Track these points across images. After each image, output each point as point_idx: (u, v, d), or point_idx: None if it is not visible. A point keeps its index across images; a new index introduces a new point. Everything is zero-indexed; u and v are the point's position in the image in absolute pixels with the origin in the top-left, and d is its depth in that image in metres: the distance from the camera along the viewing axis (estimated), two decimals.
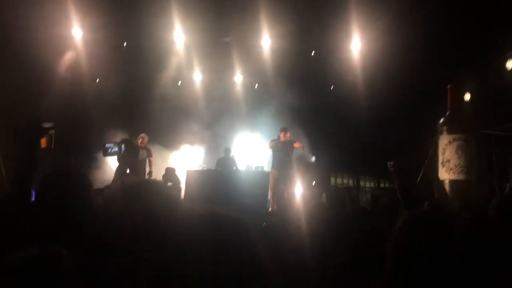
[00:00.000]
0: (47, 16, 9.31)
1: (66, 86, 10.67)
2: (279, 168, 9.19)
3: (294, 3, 9.70)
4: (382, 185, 12.44)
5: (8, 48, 8.87)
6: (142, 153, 9.83)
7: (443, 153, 8.37)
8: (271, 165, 9.63)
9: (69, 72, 10.91)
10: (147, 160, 9.94)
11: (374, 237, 2.98)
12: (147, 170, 10.04)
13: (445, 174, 8.31)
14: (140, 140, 9.90)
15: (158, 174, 10.27)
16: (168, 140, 12.66)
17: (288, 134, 9.23)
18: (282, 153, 9.17)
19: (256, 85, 13.94)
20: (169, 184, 10.20)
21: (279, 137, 9.28)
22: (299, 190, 10.76)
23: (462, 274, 1.40)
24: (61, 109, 10.44)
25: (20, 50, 8.96)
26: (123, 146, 8.74)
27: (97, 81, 12.25)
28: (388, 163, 5.25)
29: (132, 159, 9.23)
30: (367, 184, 12.72)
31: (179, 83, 13.50)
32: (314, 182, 11.94)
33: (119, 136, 10.02)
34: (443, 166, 8.36)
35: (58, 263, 1.22)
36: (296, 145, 9.42)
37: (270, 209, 8.71)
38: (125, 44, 11.52)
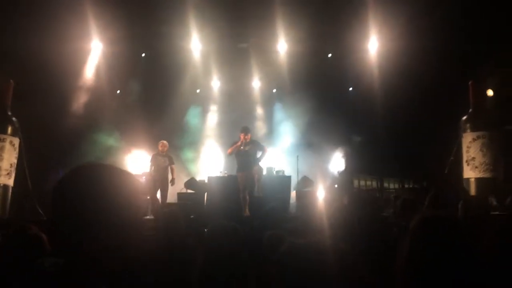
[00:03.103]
0: (68, 30, 9.55)
1: (88, 97, 10.97)
2: (243, 170, 8.70)
3: (308, 7, 9.67)
4: (406, 185, 12.25)
5: (30, 61, 9.12)
6: (164, 161, 9.70)
7: (467, 151, 8.23)
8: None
9: (91, 84, 11.17)
10: (169, 168, 9.79)
11: (394, 240, 2.95)
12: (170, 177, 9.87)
13: (470, 173, 8.17)
14: (161, 147, 9.75)
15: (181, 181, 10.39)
16: (189, 145, 12.81)
17: (249, 136, 8.71)
18: (244, 157, 8.70)
19: (274, 89, 13.97)
20: (191, 191, 10.32)
21: (239, 138, 8.84)
22: (321, 193, 10.73)
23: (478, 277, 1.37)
24: (83, 119, 10.77)
25: (42, 63, 9.19)
26: None
27: (118, 92, 12.50)
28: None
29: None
30: (391, 186, 12.53)
31: (198, 91, 13.65)
32: (336, 185, 11.87)
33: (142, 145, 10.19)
34: (468, 165, 8.22)
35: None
36: (264, 148, 9.00)
37: (244, 214, 8.42)
38: (143, 55, 11.72)
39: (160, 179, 9.57)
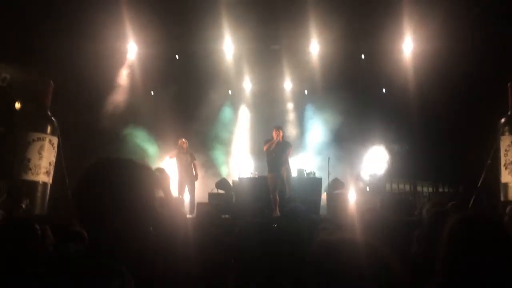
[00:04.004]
0: (104, 32, 9.83)
1: (123, 98, 11.26)
2: (274, 171, 8.75)
3: (341, 7, 9.59)
4: (440, 189, 11.96)
5: (68, 62, 9.42)
6: (186, 158, 9.82)
7: (506, 155, 7.98)
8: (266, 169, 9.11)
9: (126, 85, 11.46)
10: (192, 164, 9.91)
11: (426, 243, 2.89)
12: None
13: (509, 177, 7.91)
14: (183, 145, 9.84)
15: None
16: (220, 147, 12.93)
17: (281, 133, 8.75)
18: (274, 155, 8.71)
19: (306, 91, 13.92)
20: (221, 191, 10.42)
21: (272, 137, 8.79)
22: (352, 195, 10.61)
23: None
24: (118, 119, 11.07)
25: (79, 64, 9.48)
26: None
27: (152, 93, 12.76)
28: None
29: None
30: (425, 189, 12.26)
31: (230, 92, 13.77)
32: (368, 188, 11.72)
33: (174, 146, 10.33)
34: (506, 168, 7.97)
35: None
36: (289, 149, 8.93)
37: (273, 214, 8.36)
38: (177, 57, 11.92)
39: (186, 176, 9.71)
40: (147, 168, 1.44)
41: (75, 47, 9.19)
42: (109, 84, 11.24)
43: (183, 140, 9.95)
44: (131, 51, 11.47)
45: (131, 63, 11.55)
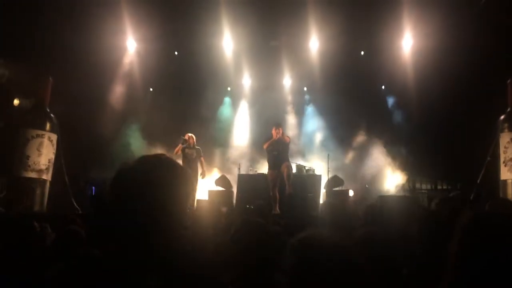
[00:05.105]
0: (104, 28, 9.81)
1: (121, 95, 11.23)
2: (273, 168, 8.73)
3: (341, 3, 9.56)
4: (439, 187, 11.97)
5: (67, 59, 9.39)
6: (192, 153, 9.62)
7: (505, 152, 7.98)
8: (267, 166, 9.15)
9: (125, 80, 11.43)
10: (199, 160, 9.71)
11: (432, 241, 2.89)
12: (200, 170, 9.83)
13: (508, 174, 7.92)
14: (190, 139, 9.65)
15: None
16: (219, 143, 12.92)
17: (280, 130, 8.72)
18: (275, 153, 8.70)
19: (305, 87, 13.91)
20: (221, 188, 10.41)
21: (272, 134, 8.78)
22: (352, 192, 10.62)
23: None
24: (116, 116, 11.06)
25: (79, 60, 9.45)
26: None
27: (151, 90, 12.74)
28: None
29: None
30: (423, 186, 12.27)
31: (229, 88, 13.75)
32: (367, 185, 11.74)
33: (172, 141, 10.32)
34: (505, 165, 7.97)
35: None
36: (287, 139, 8.94)
37: (273, 211, 8.32)
38: (176, 53, 11.88)
39: (191, 172, 9.54)
40: (184, 169, 1.38)
41: (75, 43, 9.16)
42: (108, 80, 11.19)
43: (190, 134, 9.73)
44: (130, 47, 11.43)
45: (130, 60, 11.50)
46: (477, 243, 1.43)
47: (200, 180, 10.02)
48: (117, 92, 11.29)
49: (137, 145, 11.49)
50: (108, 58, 10.62)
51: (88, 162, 10.45)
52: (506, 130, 8.10)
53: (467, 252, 1.45)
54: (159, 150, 11.73)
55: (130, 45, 11.38)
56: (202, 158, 9.79)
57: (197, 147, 9.78)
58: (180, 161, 9.56)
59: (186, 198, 1.32)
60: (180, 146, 9.64)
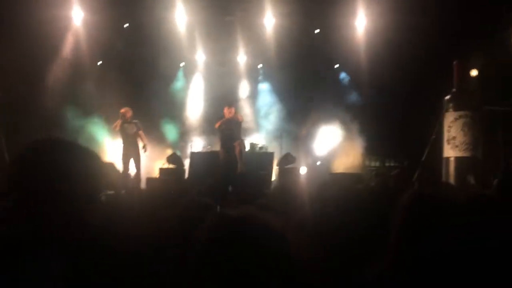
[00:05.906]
0: None
1: (68, 68, 10.62)
2: (225, 146, 8.73)
3: None
4: (387, 164, 12.35)
5: (9, 30, 8.78)
6: (131, 127, 9.22)
7: (449, 131, 8.29)
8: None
9: (71, 54, 10.80)
10: (138, 135, 9.28)
11: (374, 219, 2.94)
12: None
13: (451, 152, 8.26)
14: (127, 113, 9.18)
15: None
16: (172, 120, 12.62)
17: (232, 109, 8.72)
18: (227, 132, 8.69)
19: (260, 65, 13.81)
20: (172, 166, 10.24)
21: (224, 114, 8.75)
22: (304, 170, 10.76)
23: (469, 255, 1.36)
24: (62, 91, 10.46)
25: (21, 32, 8.85)
26: None
27: (99, 63, 12.14)
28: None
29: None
30: (372, 164, 12.63)
31: (182, 64, 13.41)
32: (319, 162, 11.93)
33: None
34: (448, 144, 8.29)
35: None
36: (239, 118, 8.98)
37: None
38: (126, 26, 11.38)
39: (131, 148, 9.14)
40: (94, 154, 1.33)
41: (13, 13, 8.54)
42: (51, 54, 10.48)
43: (126, 108, 9.26)
44: (76, 18, 10.79)
45: (76, 31, 10.86)
46: (421, 224, 1.43)
47: (151, 157, 9.78)
48: (61, 66, 10.59)
49: (83, 123, 10.88)
50: (51, 29, 9.95)
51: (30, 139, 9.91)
52: (450, 109, 8.40)
53: (410, 232, 1.45)
54: (107, 127, 11.23)
55: (76, 15, 10.74)
56: (141, 132, 9.34)
57: (134, 120, 9.33)
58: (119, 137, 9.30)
59: (93, 189, 1.29)
60: (119, 121, 9.19)
